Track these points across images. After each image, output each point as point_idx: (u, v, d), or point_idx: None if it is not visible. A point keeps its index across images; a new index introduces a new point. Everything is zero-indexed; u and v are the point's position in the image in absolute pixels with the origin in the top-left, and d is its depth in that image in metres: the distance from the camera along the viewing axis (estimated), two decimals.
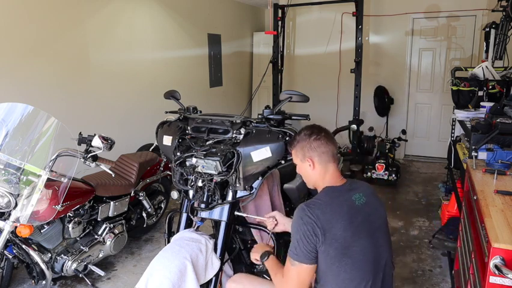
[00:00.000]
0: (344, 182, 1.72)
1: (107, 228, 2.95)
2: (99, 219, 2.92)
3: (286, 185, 2.81)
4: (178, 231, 2.23)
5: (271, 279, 2.48)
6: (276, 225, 2.08)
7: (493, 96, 3.61)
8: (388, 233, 1.77)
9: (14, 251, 2.57)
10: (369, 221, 1.64)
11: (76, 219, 2.72)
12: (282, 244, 2.62)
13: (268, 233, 2.34)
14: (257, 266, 2.51)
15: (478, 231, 1.77)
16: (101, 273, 2.76)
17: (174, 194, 2.32)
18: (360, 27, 5.13)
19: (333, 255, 1.56)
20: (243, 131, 2.17)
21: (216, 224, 2.29)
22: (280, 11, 5.75)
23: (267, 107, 2.23)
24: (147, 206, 3.43)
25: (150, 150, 3.83)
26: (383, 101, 6.02)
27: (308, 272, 1.60)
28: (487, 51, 4.40)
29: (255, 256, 1.96)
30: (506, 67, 3.90)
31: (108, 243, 2.95)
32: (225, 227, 2.16)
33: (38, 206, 2.32)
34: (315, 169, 1.72)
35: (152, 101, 4.58)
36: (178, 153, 2.20)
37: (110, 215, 3.00)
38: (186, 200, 2.26)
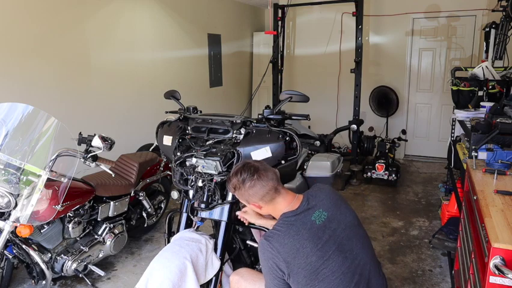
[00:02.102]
0: (299, 203, 1.65)
1: (107, 228, 2.95)
2: (99, 219, 2.92)
3: (286, 185, 2.81)
4: (178, 231, 2.23)
5: None
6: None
7: (493, 96, 3.61)
8: (363, 237, 1.69)
9: (14, 251, 2.57)
10: (336, 236, 1.58)
11: (76, 219, 2.72)
12: None
13: None
14: (257, 266, 2.51)
15: (478, 231, 1.77)
16: (101, 273, 2.76)
17: (174, 194, 2.32)
18: (360, 27, 5.13)
19: (303, 283, 1.53)
20: (243, 131, 2.17)
21: (216, 224, 2.29)
22: (280, 11, 5.75)
23: (267, 107, 2.23)
24: (147, 206, 3.43)
25: (150, 150, 3.83)
26: (391, 102, 5.99)
27: None
28: (487, 51, 4.41)
29: (244, 216, 2.00)
30: (506, 67, 3.90)
31: (108, 243, 2.95)
32: (225, 227, 2.16)
33: (38, 206, 2.32)
34: (264, 208, 1.69)
35: (152, 101, 4.58)
36: (178, 153, 2.20)
37: (110, 215, 3.00)
38: (186, 200, 2.26)
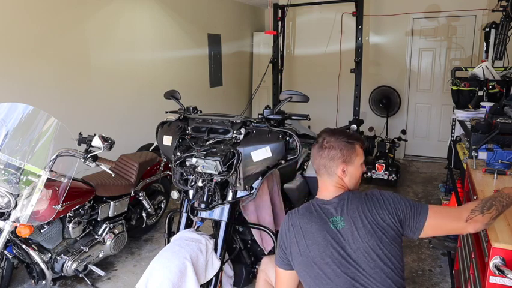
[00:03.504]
0: (331, 198, 1.59)
1: (107, 228, 2.95)
2: (99, 219, 2.92)
3: (286, 185, 2.81)
4: (178, 231, 2.23)
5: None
6: None
7: (493, 96, 3.60)
8: (377, 269, 1.47)
9: (14, 251, 2.56)
10: (342, 248, 1.49)
11: (76, 219, 2.72)
12: None
13: (269, 233, 2.35)
14: (257, 266, 2.51)
15: None
16: (101, 273, 2.76)
17: (174, 194, 2.32)
18: (360, 27, 5.13)
19: (298, 269, 1.60)
20: (243, 131, 2.17)
21: (216, 224, 2.29)
22: (280, 11, 5.75)
23: (267, 107, 2.23)
24: (147, 206, 3.43)
25: (150, 150, 3.83)
26: (392, 102, 5.98)
27: (284, 277, 1.66)
28: (487, 51, 4.41)
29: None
30: (506, 67, 3.90)
31: (108, 243, 2.95)
32: (225, 227, 2.16)
33: (38, 206, 2.32)
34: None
35: (152, 101, 4.58)
36: (178, 153, 2.20)
37: (110, 215, 3.00)
38: (186, 200, 2.26)
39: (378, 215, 1.50)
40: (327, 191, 1.61)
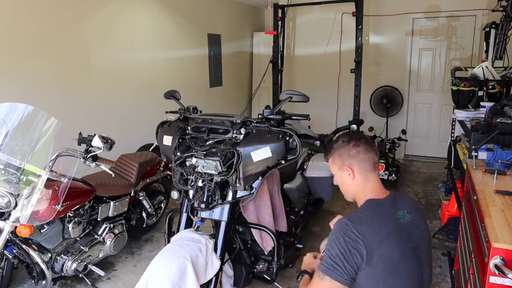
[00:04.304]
0: (386, 195, 1.58)
1: (107, 228, 2.95)
2: (99, 219, 2.92)
3: (286, 185, 2.82)
4: (178, 231, 2.23)
5: (271, 280, 2.49)
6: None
7: (493, 96, 3.60)
8: (430, 255, 1.62)
9: (14, 251, 2.56)
10: (414, 241, 1.50)
11: (76, 219, 2.72)
12: (282, 244, 2.63)
13: (269, 233, 2.35)
14: (257, 266, 2.51)
15: (478, 231, 1.77)
16: (101, 273, 2.76)
17: (174, 194, 2.32)
18: (360, 27, 5.13)
19: (378, 276, 1.42)
20: (243, 131, 2.17)
21: (216, 224, 2.29)
22: (280, 11, 5.75)
23: (267, 107, 2.23)
24: (147, 206, 3.43)
25: (150, 150, 3.83)
26: (394, 101, 5.98)
27: None
28: (487, 51, 4.41)
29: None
30: (506, 67, 3.90)
31: (108, 243, 2.95)
32: (225, 227, 2.16)
33: (38, 206, 2.32)
34: (355, 179, 1.59)
35: (152, 101, 4.58)
36: (178, 153, 2.20)
37: (110, 215, 3.00)
38: (186, 200, 2.26)
39: (419, 209, 1.65)
40: (381, 189, 1.60)
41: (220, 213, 2.17)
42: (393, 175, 4.85)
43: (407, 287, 1.46)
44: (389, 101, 5.98)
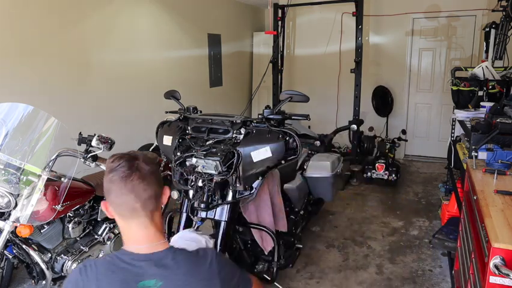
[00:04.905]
0: (153, 251, 1.19)
1: (107, 228, 2.95)
2: (99, 219, 2.92)
3: (286, 185, 2.82)
4: (178, 231, 2.23)
5: (271, 280, 2.49)
6: None
7: (493, 96, 3.61)
8: None
9: (14, 251, 2.56)
10: None
11: (76, 219, 2.72)
12: (282, 244, 2.63)
13: (269, 233, 2.35)
14: (257, 266, 2.51)
15: (478, 231, 1.77)
16: None
17: (174, 194, 2.32)
18: (360, 27, 5.13)
19: None
20: (243, 131, 2.17)
21: (216, 224, 2.29)
22: (280, 11, 5.75)
23: (267, 107, 2.23)
24: None
25: (150, 150, 3.83)
26: (387, 102, 6.01)
27: None
28: (487, 51, 4.41)
29: None
30: (506, 67, 3.90)
31: (108, 243, 2.95)
32: (225, 227, 2.16)
33: (38, 206, 2.32)
34: (117, 221, 1.22)
35: (152, 101, 4.57)
36: (178, 153, 2.21)
37: None
38: (186, 200, 2.26)
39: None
40: (144, 241, 1.25)
41: (220, 213, 2.17)
42: (393, 175, 4.85)
43: None
44: (379, 101, 6.01)
